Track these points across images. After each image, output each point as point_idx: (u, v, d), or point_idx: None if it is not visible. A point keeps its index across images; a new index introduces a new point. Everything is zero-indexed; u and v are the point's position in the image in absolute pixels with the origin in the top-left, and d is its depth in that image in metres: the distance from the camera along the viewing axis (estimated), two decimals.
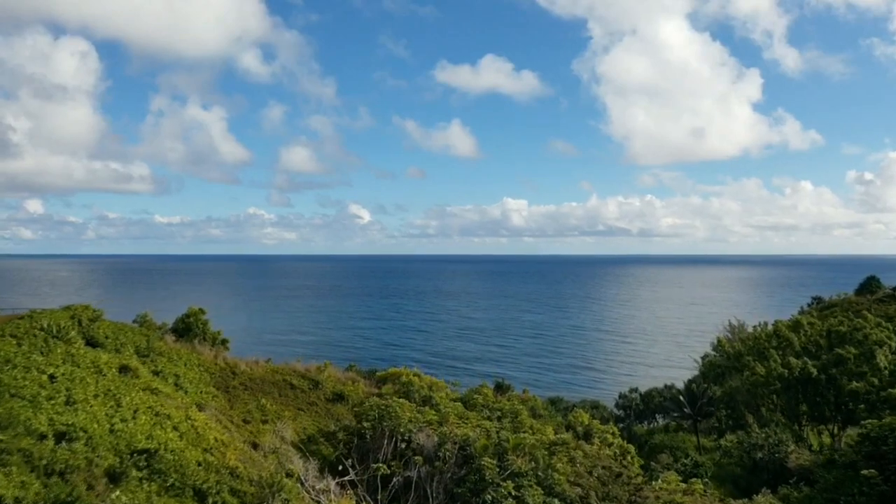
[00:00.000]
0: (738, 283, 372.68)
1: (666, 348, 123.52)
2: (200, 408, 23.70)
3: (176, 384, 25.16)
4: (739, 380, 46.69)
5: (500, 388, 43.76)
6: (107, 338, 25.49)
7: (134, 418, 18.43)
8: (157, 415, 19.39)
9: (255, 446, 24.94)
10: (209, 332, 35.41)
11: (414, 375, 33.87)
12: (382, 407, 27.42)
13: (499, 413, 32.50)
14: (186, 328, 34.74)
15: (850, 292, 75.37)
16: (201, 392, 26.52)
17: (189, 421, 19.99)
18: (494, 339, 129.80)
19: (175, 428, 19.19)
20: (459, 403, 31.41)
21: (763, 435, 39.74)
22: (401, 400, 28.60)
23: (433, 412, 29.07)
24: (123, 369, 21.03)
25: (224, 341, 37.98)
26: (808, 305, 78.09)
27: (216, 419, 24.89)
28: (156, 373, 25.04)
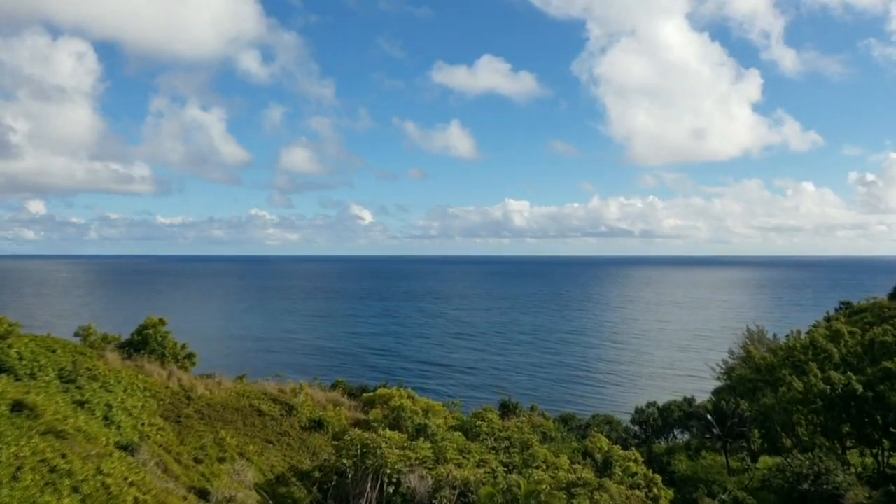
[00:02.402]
0: (742, 284, 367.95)
1: (671, 353, 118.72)
2: (132, 450, 18.72)
3: (106, 418, 20.18)
4: (774, 396, 41.66)
5: (507, 409, 38.80)
6: (21, 359, 20.54)
7: (14, 480, 13.43)
8: (52, 470, 14.39)
9: (203, 494, 20.02)
10: (170, 345, 30.48)
11: (407, 398, 28.91)
12: (365, 442, 22.51)
13: (506, 443, 27.57)
14: (143, 342, 29.82)
15: (881, 296, 70.26)
16: (141, 425, 21.56)
17: (100, 476, 15.01)
18: (496, 344, 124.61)
19: (76, 489, 14.19)
20: (459, 434, 26.42)
21: (807, 462, 34.72)
22: (389, 433, 23.65)
23: (428, 445, 24.14)
24: (18, 406, 16.10)
25: (190, 356, 33.09)
26: (836, 310, 72.98)
27: (156, 461, 19.96)
28: (80, 403, 20.06)
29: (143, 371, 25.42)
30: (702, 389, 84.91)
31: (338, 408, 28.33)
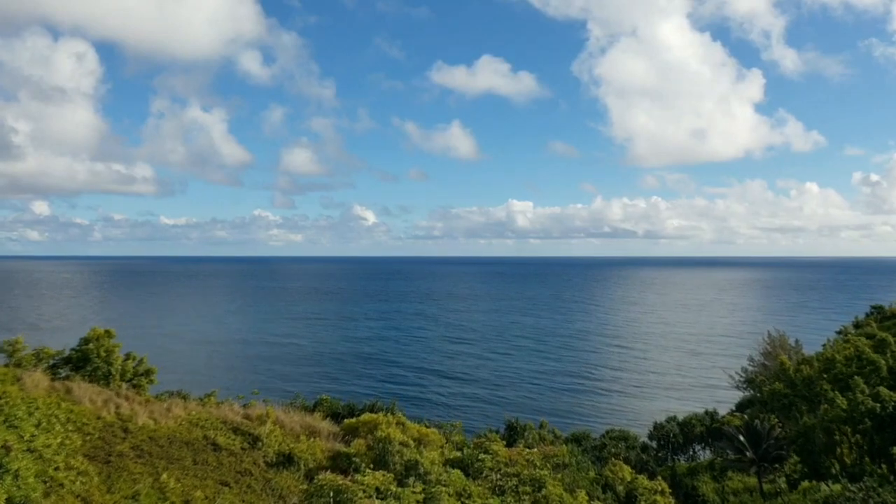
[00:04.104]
0: (747, 285, 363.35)
1: (679, 358, 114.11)
2: None
3: None
4: (814, 415, 36.95)
5: (514, 431, 34.15)
6: None
7: None
8: None
9: None
10: (117, 361, 25.89)
11: (396, 424, 24.29)
12: (339, 488, 17.98)
13: (515, 480, 22.99)
14: (83, 358, 25.24)
15: None
16: (54, 470, 17.01)
17: None
18: (498, 349, 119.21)
19: None
20: (458, 472, 21.82)
21: (860, 494, 30.00)
22: (370, 475, 19.08)
23: (419, 489, 19.59)
24: None
25: (148, 372, 28.47)
26: (867, 315, 68.20)
27: None
28: None
29: (70, 397, 20.82)
30: (717, 399, 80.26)
31: (313, 437, 23.73)
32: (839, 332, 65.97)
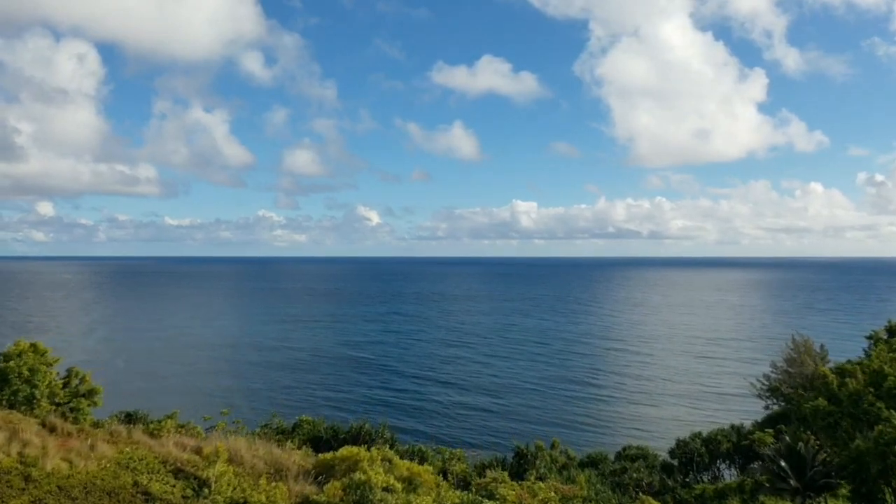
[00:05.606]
0: (753, 286, 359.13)
1: (686, 361, 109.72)
2: None
3: None
4: (866, 436, 32.32)
5: (523, 459, 29.58)
6: None
7: None
8: None
9: None
10: (44, 382, 21.44)
11: (382, 461, 19.76)
12: None
13: None
14: (1, 378, 20.79)
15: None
16: None
17: None
18: (501, 354, 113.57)
19: None
20: None
21: None
22: None
23: None
24: None
25: (91, 393, 24.08)
26: None
27: None
28: None
29: None
30: (731, 408, 75.71)
31: (278, 480, 19.20)
32: (869, 338, 61.21)
